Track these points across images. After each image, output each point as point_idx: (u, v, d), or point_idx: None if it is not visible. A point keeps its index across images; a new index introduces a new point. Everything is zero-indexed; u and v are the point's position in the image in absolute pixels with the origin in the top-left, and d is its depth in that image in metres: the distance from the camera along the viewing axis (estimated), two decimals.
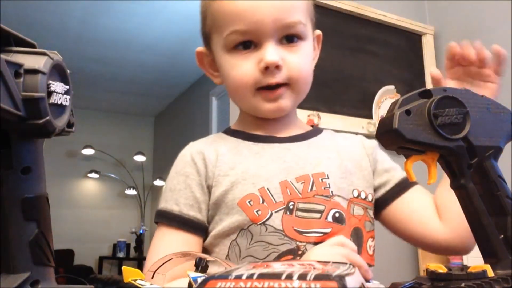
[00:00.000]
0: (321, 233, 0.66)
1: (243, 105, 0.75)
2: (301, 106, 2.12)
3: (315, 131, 0.80)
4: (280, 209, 0.67)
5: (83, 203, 5.78)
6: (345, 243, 0.63)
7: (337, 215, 0.68)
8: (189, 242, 0.69)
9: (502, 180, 0.50)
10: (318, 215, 0.67)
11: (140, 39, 4.04)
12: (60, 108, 0.34)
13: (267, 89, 0.68)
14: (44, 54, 0.33)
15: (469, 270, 0.43)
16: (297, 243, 0.65)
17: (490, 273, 0.43)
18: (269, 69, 0.66)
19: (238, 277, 0.27)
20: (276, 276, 0.26)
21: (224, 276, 0.27)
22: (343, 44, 2.25)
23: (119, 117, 6.15)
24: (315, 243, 0.65)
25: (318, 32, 0.80)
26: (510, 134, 0.52)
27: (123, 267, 0.41)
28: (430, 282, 0.43)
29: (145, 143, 6.24)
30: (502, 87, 0.68)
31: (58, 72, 0.34)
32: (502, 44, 0.68)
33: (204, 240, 0.71)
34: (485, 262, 0.48)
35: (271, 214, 0.66)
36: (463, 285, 0.40)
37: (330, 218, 0.67)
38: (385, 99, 2.29)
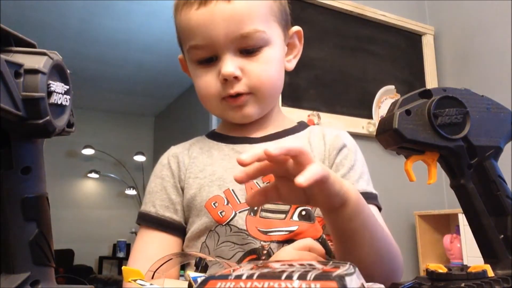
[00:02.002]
0: (287, 231, 0.66)
1: (213, 113, 0.76)
2: (301, 106, 2.14)
3: (296, 128, 0.79)
4: (244, 210, 0.68)
5: (83, 203, 5.78)
6: (312, 247, 0.62)
7: (303, 213, 0.68)
8: (167, 242, 0.71)
9: (502, 180, 0.50)
10: (282, 215, 0.68)
11: (140, 39, 4.04)
12: (60, 108, 0.34)
13: (231, 97, 0.69)
14: (44, 54, 0.33)
15: (469, 270, 0.43)
16: (261, 242, 0.66)
17: (490, 273, 0.43)
18: (227, 80, 0.68)
19: (238, 277, 0.27)
20: (276, 276, 0.26)
21: (224, 276, 0.27)
22: (343, 44, 2.25)
23: (119, 117, 6.15)
24: (279, 242, 0.66)
25: (296, 28, 0.77)
26: (510, 134, 0.52)
27: (123, 267, 0.41)
28: (430, 282, 0.43)
29: (145, 143, 6.23)
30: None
31: (58, 72, 0.34)
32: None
33: (183, 242, 0.73)
34: (485, 262, 0.48)
35: (235, 215, 0.67)
36: (463, 285, 0.40)
37: (296, 217, 0.67)
38: (385, 99, 2.29)
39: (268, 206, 0.68)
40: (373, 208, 0.71)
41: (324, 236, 0.69)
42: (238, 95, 0.69)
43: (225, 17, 0.66)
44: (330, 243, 0.70)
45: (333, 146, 0.75)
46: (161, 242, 0.71)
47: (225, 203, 0.68)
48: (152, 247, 0.70)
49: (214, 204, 0.69)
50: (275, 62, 0.71)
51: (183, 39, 0.72)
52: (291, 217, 0.67)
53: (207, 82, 0.70)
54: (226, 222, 0.67)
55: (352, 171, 0.73)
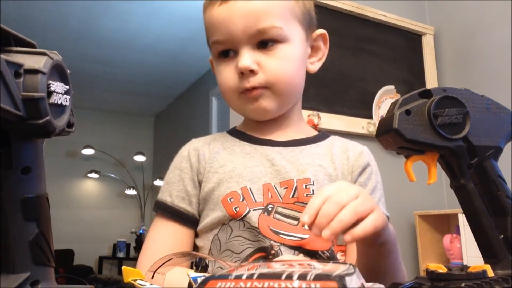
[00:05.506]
0: (298, 237, 0.67)
1: (233, 108, 0.77)
2: (301, 106, 2.13)
3: (318, 137, 0.80)
4: (258, 209, 0.69)
5: (83, 203, 5.78)
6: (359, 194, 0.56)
7: None
8: (179, 232, 0.73)
9: (502, 180, 0.50)
10: (295, 222, 0.68)
11: (140, 39, 4.04)
12: (60, 108, 0.34)
13: (247, 90, 0.71)
14: (44, 54, 0.33)
15: (469, 270, 0.43)
16: (271, 242, 0.67)
17: (490, 273, 0.43)
18: (244, 74, 0.69)
19: (238, 277, 0.27)
20: (276, 276, 0.26)
21: (224, 276, 0.27)
22: (343, 44, 2.25)
23: (119, 117, 6.15)
24: (291, 247, 0.66)
25: (321, 31, 0.79)
26: (510, 134, 0.52)
27: (123, 267, 0.41)
28: (430, 282, 0.43)
29: (145, 143, 6.24)
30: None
31: (58, 72, 0.34)
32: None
33: (196, 234, 0.75)
34: (485, 262, 0.48)
35: (249, 211, 0.69)
36: (463, 285, 0.40)
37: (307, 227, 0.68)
38: (385, 99, 2.29)
39: (282, 210, 0.69)
40: None
41: (333, 248, 0.70)
42: (254, 88, 0.70)
43: (244, 13, 0.69)
44: (341, 254, 0.71)
45: (357, 164, 0.77)
46: (174, 232, 0.73)
47: (241, 199, 0.70)
48: (165, 236, 0.73)
49: (230, 199, 0.70)
50: (292, 59, 0.72)
51: (208, 36, 0.75)
52: (304, 225, 0.68)
53: (226, 76, 0.72)
54: (240, 218, 0.69)
55: (374, 193, 0.75)
